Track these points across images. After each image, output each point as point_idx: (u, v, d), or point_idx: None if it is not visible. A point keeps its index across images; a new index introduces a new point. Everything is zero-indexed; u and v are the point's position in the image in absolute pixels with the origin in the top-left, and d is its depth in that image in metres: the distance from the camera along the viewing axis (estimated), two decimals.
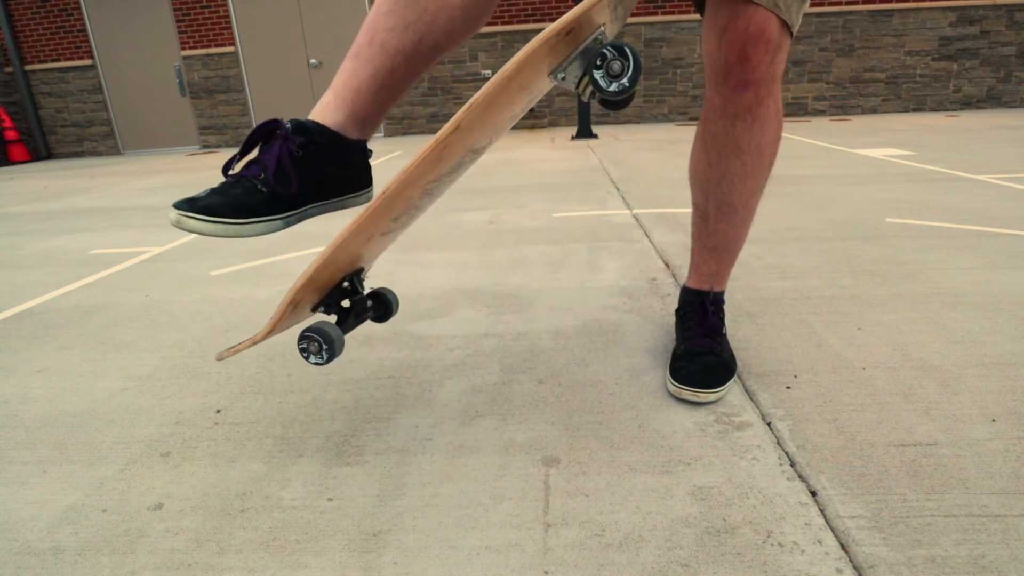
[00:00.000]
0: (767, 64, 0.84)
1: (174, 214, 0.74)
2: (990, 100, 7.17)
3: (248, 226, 0.77)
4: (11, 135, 7.69)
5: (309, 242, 2.20)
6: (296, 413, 1.03)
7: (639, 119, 7.47)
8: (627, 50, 0.71)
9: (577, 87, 0.75)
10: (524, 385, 1.08)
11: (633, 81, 0.71)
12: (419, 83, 7.54)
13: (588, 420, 0.95)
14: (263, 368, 1.21)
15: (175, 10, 7.54)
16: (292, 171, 0.79)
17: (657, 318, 1.35)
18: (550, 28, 0.66)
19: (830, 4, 6.89)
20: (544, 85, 0.81)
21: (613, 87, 0.72)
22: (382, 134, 7.84)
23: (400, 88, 0.86)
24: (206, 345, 1.34)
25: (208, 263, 2.05)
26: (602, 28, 0.73)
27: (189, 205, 0.74)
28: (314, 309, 0.90)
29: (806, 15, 6.89)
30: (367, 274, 0.98)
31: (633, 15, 7.09)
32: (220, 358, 0.87)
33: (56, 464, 0.92)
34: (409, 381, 1.12)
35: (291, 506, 0.79)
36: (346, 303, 0.92)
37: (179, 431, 0.99)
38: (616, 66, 0.71)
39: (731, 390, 1.02)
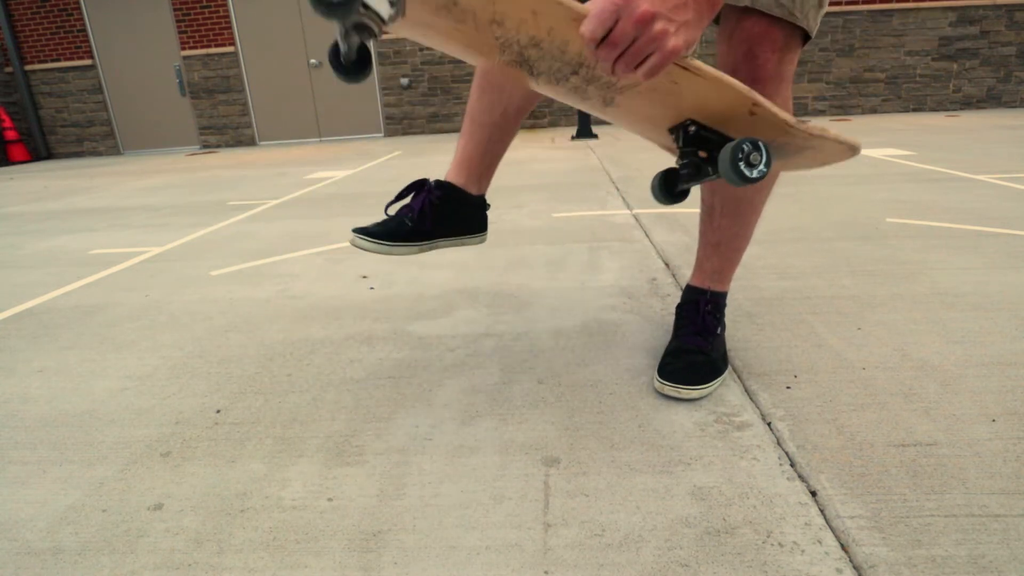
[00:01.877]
0: (775, 63, 0.87)
1: (351, 235, 1.05)
2: (990, 100, 7.17)
3: (395, 247, 1.07)
4: (11, 135, 7.69)
5: (308, 243, 2.20)
6: (296, 413, 1.03)
7: None
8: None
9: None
10: (524, 385, 1.08)
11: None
12: (419, 84, 7.55)
13: (588, 420, 0.95)
14: (263, 368, 1.21)
15: (175, 10, 7.54)
16: (430, 214, 1.10)
17: (657, 318, 1.35)
18: None
19: (830, 4, 6.86)
20: None
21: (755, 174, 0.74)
22: (382, 134, 7.85)
23: (500, 148, 1.17)
24: (206, 345, 1.34)
25: (208, 263, 2.05)
26: None
27: (362, 231, 1.05)
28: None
29: None
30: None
31: None
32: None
33: (56, 464, 0.92)
34: (409, 381, 1.12)
35: (291, 506, 0.79)
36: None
37: (179, 431, 0.99)
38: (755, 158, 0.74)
39: (728, 390, 1.02)
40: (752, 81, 0.88)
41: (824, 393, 0.99)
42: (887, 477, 0.78)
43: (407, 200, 1.13)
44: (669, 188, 0.93)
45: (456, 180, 1.15)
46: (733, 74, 0.88)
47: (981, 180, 2.73)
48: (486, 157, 1.16)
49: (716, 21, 0.94)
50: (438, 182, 1.13)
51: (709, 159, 0.86)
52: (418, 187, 1.13)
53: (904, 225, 2.01)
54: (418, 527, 0.74)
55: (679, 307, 1.13)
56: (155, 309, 1.61)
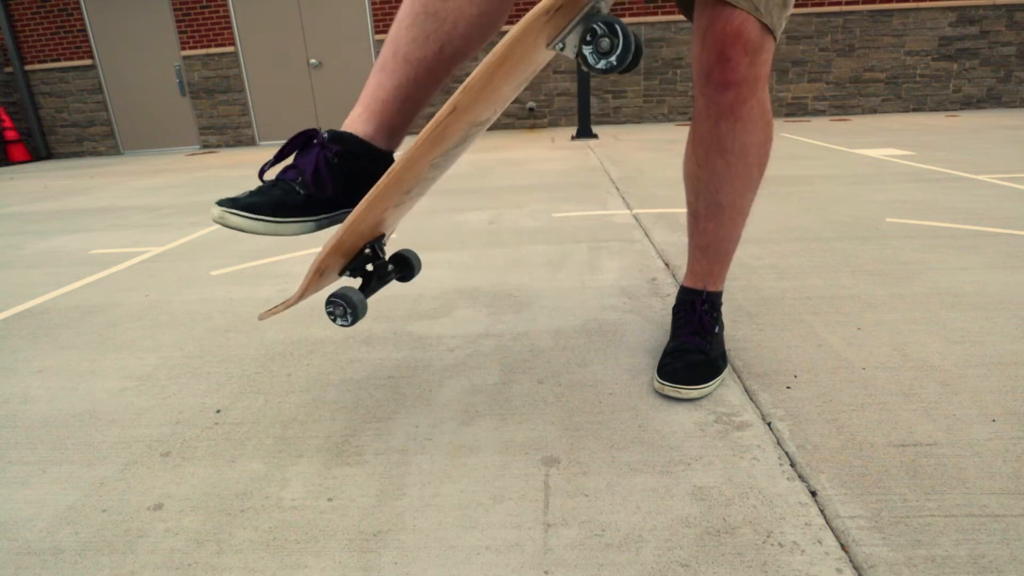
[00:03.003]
0: (746, 65, 0.85)
1: (217, 210, 0.77)
2: (990, 100, 7.17)
3: (285, 224, 0.81)
4: (11, 135, 7.69)
5: (308, 243, 2.20)
6: (296, 413, 1.03)
7: (639, 119, 7.47)
8: (618, 27, 0.70)
9: (576, 56, 0.75)
10: (524, 385, 1.08)
11: (622, 60, 0.71)
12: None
13: (588, 420, 0.95)
14: (263, 368, 1.21)
15: (175, 10, 7.54)
16: (328, 176, 0.83)
17: (657, 318, 1.35)
18: (544, 2, 0.66)
19: (830, 4, 6.89)
20: (544, 55, 0.80)
21: (601, 64, 0.72)
22: None
23: (424, 97, 0.90)
24: (206, 345, 1.34)
25: (208, 263, 2.05)
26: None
27: (232, 203, 0.78)
28: (340, 274, 0.93)
29: (806, 15, 6.89)
30: (388, 239, 1.02)
31: (633, 15, 7.09)
32: (262, 318, 0.94)
33: (56, 464, 0.92)
34: (409, 381, 1.12)
35: (291, 506, 0.79)
36: (370, 267, 0.95)
37: (179, 431, 0.99)
38: (605, 43, 0.71)
39: (728, 390, 1.02)
40: (724, 85, 0.87)
41: (824, 393, 0.99)
42: (887, 477, 0.78)
43: (289, 160, 0.86)
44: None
45: (362, 131, 0.87)
46: (707, 78, 0.88)
47: (981, 180, 2.73)
48: (406, 103, 0.88)
49: (690, 18, 0.94)
50: (333, 133, 0.85)
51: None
52: (303, 142, 0.85)
53: (904, 225, 2.01)
54: (418, 527, 0.74)
55: (675, 308, 1.13)
56: (155, 309, 1.61)
